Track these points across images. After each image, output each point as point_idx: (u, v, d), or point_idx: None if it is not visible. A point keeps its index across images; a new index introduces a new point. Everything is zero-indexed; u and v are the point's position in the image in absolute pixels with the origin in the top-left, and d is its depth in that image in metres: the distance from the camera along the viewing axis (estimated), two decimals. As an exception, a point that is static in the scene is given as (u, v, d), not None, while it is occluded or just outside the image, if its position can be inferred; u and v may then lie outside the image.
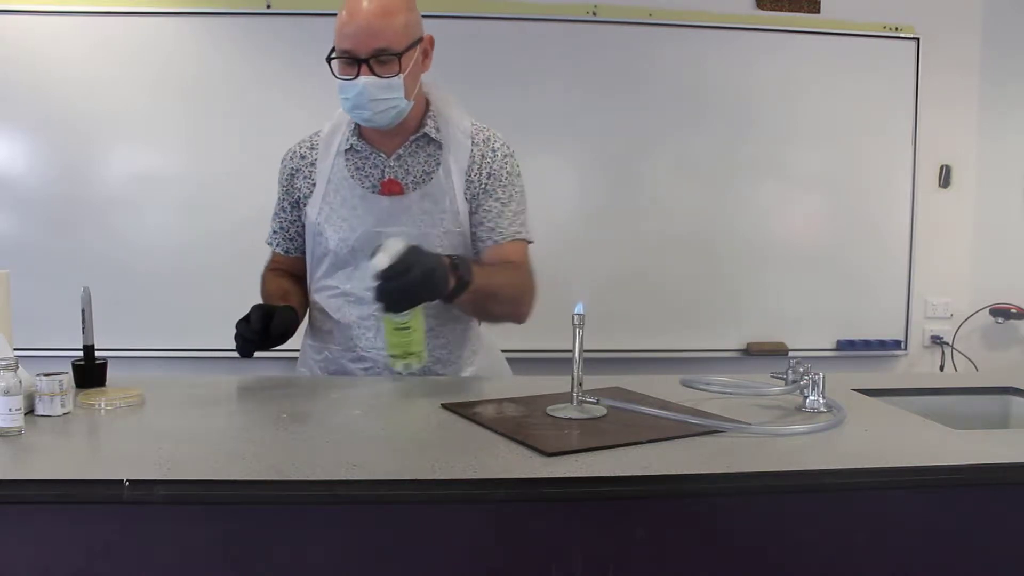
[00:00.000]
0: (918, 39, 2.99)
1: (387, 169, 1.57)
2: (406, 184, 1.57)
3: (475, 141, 1.61)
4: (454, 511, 0.94)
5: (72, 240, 2.73)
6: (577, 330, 1.14)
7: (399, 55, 1.48)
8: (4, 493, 0.90)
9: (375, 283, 1.30)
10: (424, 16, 1.56)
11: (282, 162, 1.67)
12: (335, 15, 1.49)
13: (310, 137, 1.66)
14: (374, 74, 1.47)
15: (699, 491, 0.96)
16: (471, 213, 1.60)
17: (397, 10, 1.47)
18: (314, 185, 1.61)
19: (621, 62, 2.89)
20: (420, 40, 1.53)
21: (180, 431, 1.12)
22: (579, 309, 1.15)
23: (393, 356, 1.43)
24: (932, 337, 3.15)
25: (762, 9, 2.96)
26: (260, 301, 1.64)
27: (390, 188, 1.56)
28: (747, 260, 2.99)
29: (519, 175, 1.65)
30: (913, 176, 3.03)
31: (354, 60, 1.47)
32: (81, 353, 1.33)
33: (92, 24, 2.69)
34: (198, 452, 1.01)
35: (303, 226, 1.65)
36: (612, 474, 0.94)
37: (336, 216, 1.57)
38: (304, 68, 2.67)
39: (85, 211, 2.74)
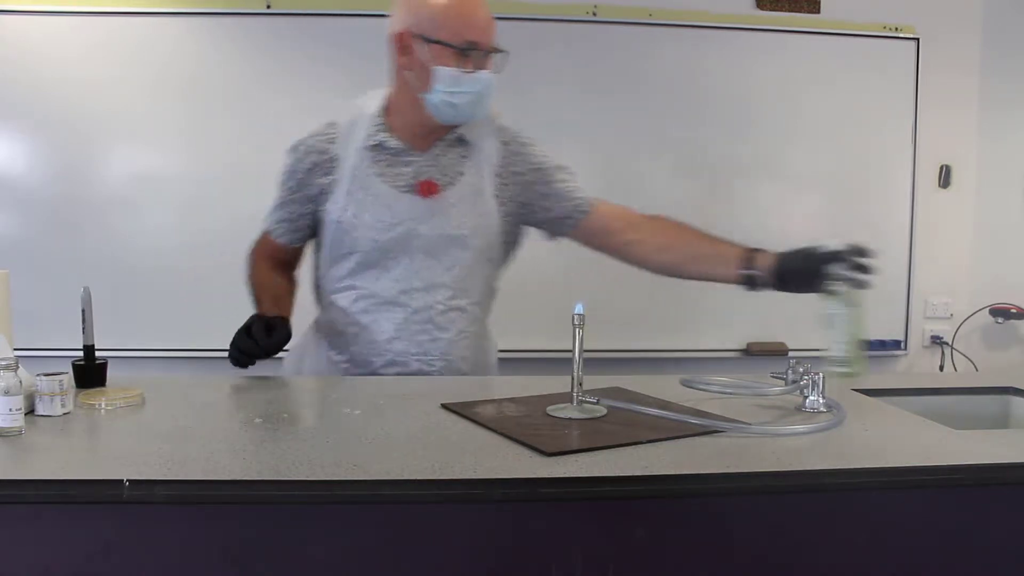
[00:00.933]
0: (918, 39, 2.99)
1: (421, 168, 1.54)
2: (441, 184, 1.54)
3: (503, 140, 1.61)
4: (454, 511, 0.94)
5: (72, 240, 2.73)
6: (577, 330, 1.14)
7: (499, 53, 1.49)
8: (4, 493, 0.90)
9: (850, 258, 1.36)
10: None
11: (294, 152, 1.59)
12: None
13: (325, 129, 1.58)
14: (479, 69, 1.47)
15: (699, 491, 0.96)
16: (532, 207, 1.61)
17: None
18: (335, 181, 1.55)
19: (621, 62, 2.89)
20: None
21: (180, 431, 1.12)
22: (579, 309, 1.15)
23: (842, 360, 1.33)
24: (932, 337, 3.15)
25: (762, 9, 2.96)
26: (252, 295, 1.63)
27: (429, 189, 1.53)
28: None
29: (547, 153, 1.68)
30: (913, 176, 3.03)
31: (469, 53, 1.45)
32: (81, 353, 1.33)
33: (92, 24, 2.69)
34: (198, 452, 1.01)
35: (315, 221, 1.60)
36: (612, 474, 0.94)
37: (367, 215, 1.52)
38: (304, 68, 2.68)
39: (85, 211, 2.74)
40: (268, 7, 2.75)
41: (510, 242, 1.66)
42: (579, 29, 2.88)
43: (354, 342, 1.58)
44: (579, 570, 0.94)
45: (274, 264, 1.68)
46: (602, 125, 2.90)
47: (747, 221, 2.99)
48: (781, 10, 2.96)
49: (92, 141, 2.74)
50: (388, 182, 1.53)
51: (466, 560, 0.95)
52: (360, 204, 1.53)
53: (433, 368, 1.55)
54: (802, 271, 1.44)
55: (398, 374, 1.55)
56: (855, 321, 1.35)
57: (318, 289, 1.66)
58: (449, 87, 1.47)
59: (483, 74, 1.47)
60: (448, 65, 1.46)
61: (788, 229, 3.03)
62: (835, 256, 1.38)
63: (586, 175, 2.93)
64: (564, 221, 1.64)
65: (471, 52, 1.46)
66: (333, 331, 1.61)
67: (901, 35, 3.00)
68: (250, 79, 2.75)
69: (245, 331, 1.45)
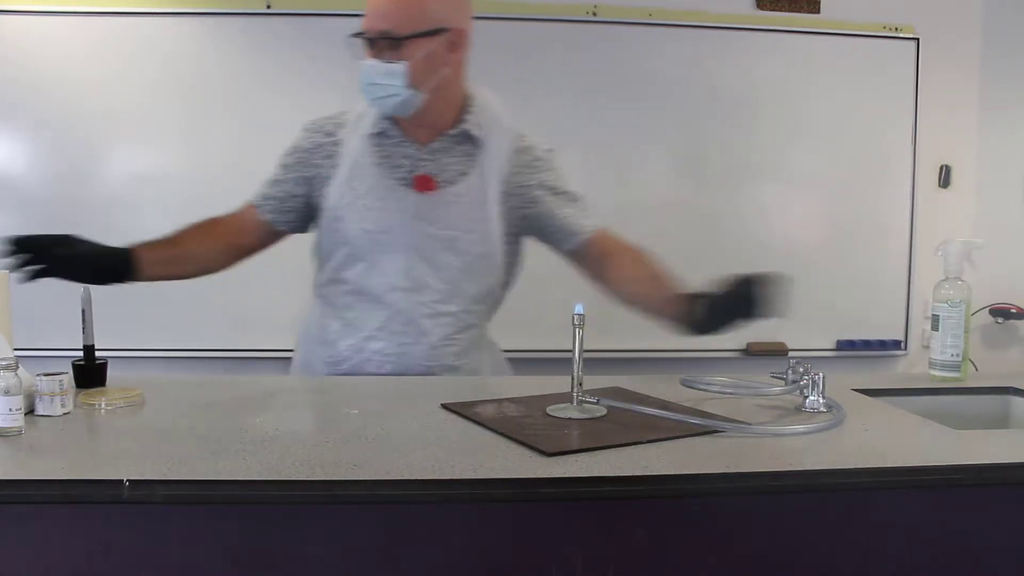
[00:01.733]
0: (918, 39, 2.99)
1: (419, 162, 1.51)
2: (439, 181, 1.50)
3: (517, 148, 1.57)
4: (454, 511, 0.94)
5: (72, 240, 2.73)
6: (577, 330, 1.14)
7: (400, 40, 1.42)
8: (4, 493, 0.90)
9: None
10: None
11: (302, 131, 1.58)
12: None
13: (339, 114, 1.58)
14: (379, 57, 1.43)
15: (699, 491, 0.96)
16: (538, 223, 1.57)
17: None
18: (335, 167, 1.53)
19: (621, 62, 2.88)
20: (442, 31, 1.46)
21: (180, 431, 1.12)
22: (579, 309, 1.15)
23: (951, 364, 1.42)
24: (932, 337, 3.15)
25: (762, 9, 2.96)
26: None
27: (424, 184, 1.49)
28: (747, 260, 2.96)
29: (562, 172, 1.63)
30: (913, 176, 3.03)
31: (366, 40, 1.44)
32: (81, 353, 1.33)
33: (92, 24, 2.69)
34: (198, 452, 1.01)
35: (309, 207, 1.56)
36: (612, 474, 0.94)
37: (360, 204, 1.49)
38: (304, 68, 2.67)
39: (85, 211, 2.74)
40: (268, 7, 2.75)
41: (512, 252, 1.61)
42: (579, 29, 2.88)
43: (339, 337, 1.55)
44: (579, 570, 0.94)
45: (225, 241, 1.58)
46: (602, 125, 2.90)
47: (747, 221, 3.00)
48: (781, 10, 2.96)
49: (92, 141, 2.74)
50: (385, 173, 1.50)
51: (466, 560, 0.95)
52: (355, 193, 1.50)
53: (411, 372, 1.51)
54: (710, 321, 1.40)
55: (373, 374, 1.51)
56: (964, 324, 1.36)
57: (315, 286, 1.63)
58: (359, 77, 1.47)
59: (364, 61, 1.44)
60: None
61: (789, 229, 3.04)
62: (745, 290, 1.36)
63: (585, 175, 2.95)
64: (561, 247, 1.61)
65: (364, 40, 1.45)
66: (322, 328, 1.58)
67: (901, 35, 3.00)
68: (250, 79, 2.75)
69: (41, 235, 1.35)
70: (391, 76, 1.44)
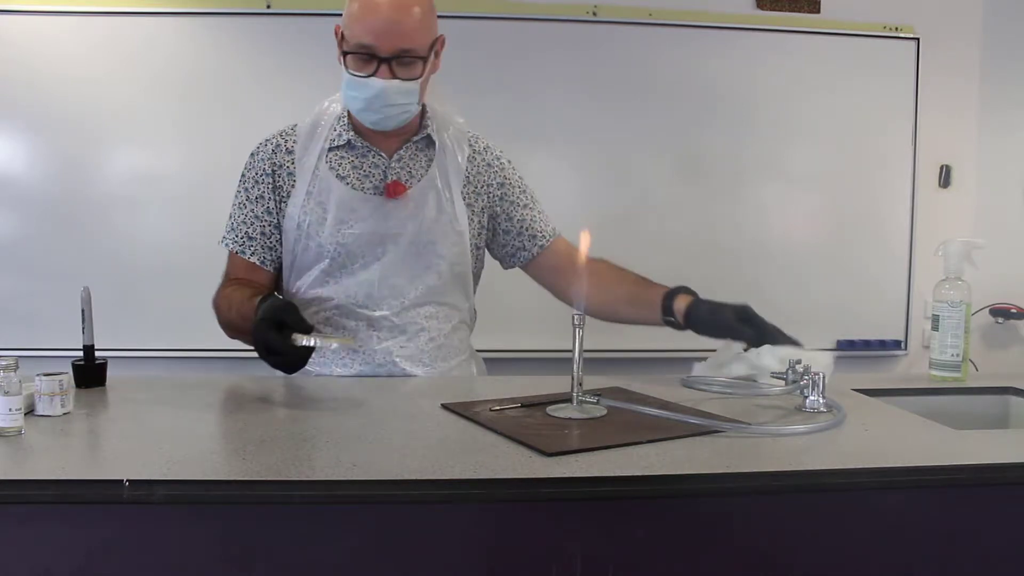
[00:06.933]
0: (918, 39, 2.99)
1: (389, 171, 1.50)
2: (409, 187, 1.49)
3: (475, 149, 1.56)
4: (454, 511, 0.94)
5: (72, 240, 2.73)
6: (577, 330, 1.14)
7: (424, 58, 1.40)
8: (4, 493, 0.90)
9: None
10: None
11: (251, 157, 1.54)
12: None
13: (292, 129, 1.54)
14: (394, 75, 1.39)
15: (699, 491, 0.96)
16: (494, 225, 1.58)
17: (421, 6, 1.39)
18: (293, 184, 1.50)
19: (621, 62, 2.88)
20: (436, 40, 1.44)
21: (180, 431, 1.12)
22: (579, 309, 1.15)
23: (951, 365, 1.46)
24: (932, 337, 3.15)
25: (762, 9, 2.96)
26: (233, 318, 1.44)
27: (395, 190, 1.47)
28: (747, 260, 2.99)
29: (520, 174, 1.64)
30: (913, 176, 3.03)
31: (373, 57, 1.38)
32: (81, 353, 1.33)
33: (92, 24, 2.69)
34: (198, 452, 1.01)
35: (275, 230, 1.52)
36: (612, 474, 0.94)
37: (331, 218, 1.47)
38: (304, 68, 2.67)
39: (85, 211, 2.74)
40: (268, 7, 2.75)
41: (479, 256, 1.61)
42: (579, 29, 2.88)
43: (333, 356, 1.52)
44: (579, 570, 0.94)
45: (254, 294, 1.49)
46: (602, 125, 2.90)
47: (748, 221, 3.00)
48: (781, 10, 2.96)
49: (92, 141, 2.74)
50: (353, 183, 1.49)
51: (466, 560, 0.95)
52: (323, 206, 1.48)
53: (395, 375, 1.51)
54: (708, 323, 1.48)
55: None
56: (964, 325, 1.37)
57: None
58: (346, 90, 1.43)
59: (375, 81, 1.38)
60: (349, 67, 1.41)
61: (788, 229, 3.04)
62: (744, 315, 1.43)
63: (586, 175, 2.97)
64: (519, 253, 1.61)
65: (367, 56, 1.38)
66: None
67: (901, 35, 3.00)
68: (250, 79, 2.75)
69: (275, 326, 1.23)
70: (408, 95, 1.42)
